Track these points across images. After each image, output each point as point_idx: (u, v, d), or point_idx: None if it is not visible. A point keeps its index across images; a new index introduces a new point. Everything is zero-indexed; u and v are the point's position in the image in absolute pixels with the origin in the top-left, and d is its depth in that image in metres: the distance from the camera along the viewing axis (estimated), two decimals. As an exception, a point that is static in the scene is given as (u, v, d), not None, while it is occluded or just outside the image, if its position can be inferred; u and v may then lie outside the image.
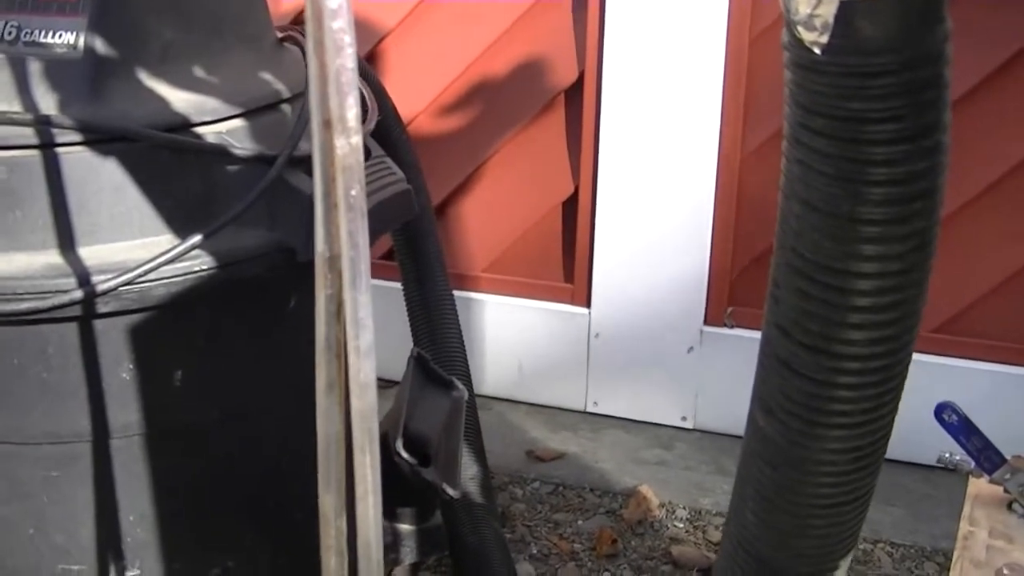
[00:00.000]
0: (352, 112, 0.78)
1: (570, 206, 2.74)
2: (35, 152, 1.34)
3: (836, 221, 1.05)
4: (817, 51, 0.98)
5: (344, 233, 0.80)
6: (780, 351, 1.15)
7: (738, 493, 1.30)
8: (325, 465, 0.89)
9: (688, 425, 2.73)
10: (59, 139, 1.34)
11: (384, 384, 2.42)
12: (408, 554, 1.77)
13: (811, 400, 1.14)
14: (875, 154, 1.01)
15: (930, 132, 1.02)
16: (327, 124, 0.78)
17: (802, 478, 1.19)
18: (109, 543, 1.48)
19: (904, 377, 1.15)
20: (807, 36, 0.98)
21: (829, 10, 0.96)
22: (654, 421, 2.75)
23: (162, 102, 1.40)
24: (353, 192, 0.79)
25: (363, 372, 0.82)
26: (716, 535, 2.33)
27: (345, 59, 0.77)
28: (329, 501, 0.90)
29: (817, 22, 0.97)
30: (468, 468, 2.11)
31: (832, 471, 1.18)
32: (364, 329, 0.82)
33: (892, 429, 1.19)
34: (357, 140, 0.79)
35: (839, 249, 1.06)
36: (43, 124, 1.34)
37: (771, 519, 1.25)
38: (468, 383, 2.11)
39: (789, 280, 1.12)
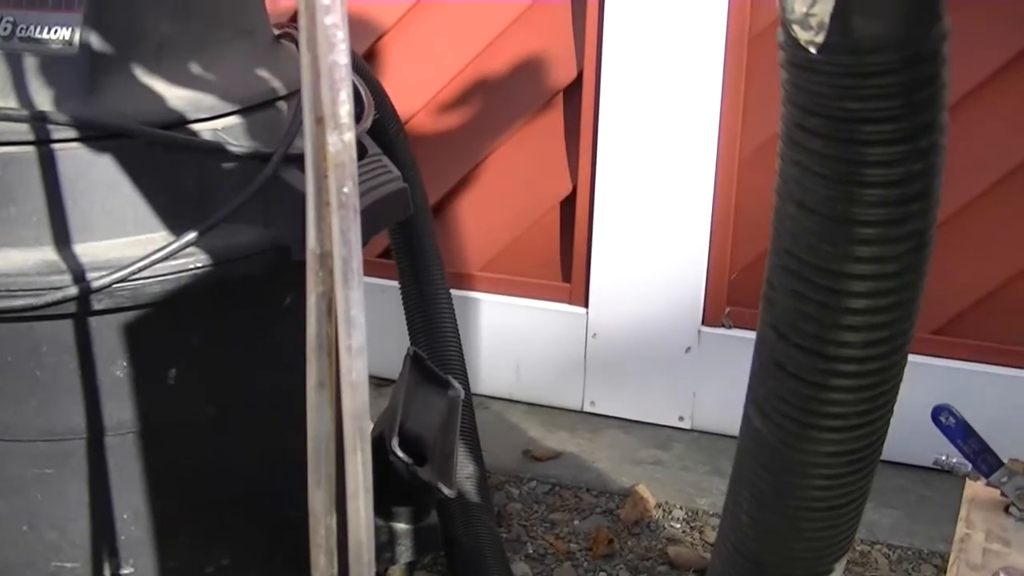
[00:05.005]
0: (345, 108, 0.77)
1: (568, 205, 2.73)
2: (30, 148, 1.34)
3: (831, 223, 1.04)
4: (813, 50, 0.97)
5: (336, 231, 0.79)
6: (775, 352, 1.15)
7: (732, 494, 1.29)
8: (315, 463, 0.88)
9: (685, 425, 2.73)
10: (54, 135, 1.34)
11: (380, 383, 2.45)
12: (404, 553, 1.77)
13: (806, 402, 1.13)
14: (871, 155, 1.00)
15: (926, 133, 1.01)
16: (319, 121, 0.78)
17: (796, 480, 1.18)
18: (103, 540, 1.48)
19: (899, 379, 1.15)
20: (803, 35, 0.97)
21: (825, 8, 0.95)
22: (651, 421, 2.75)
23: (158, 98, 1.40)
24: (345, 189, 0.78)
25: (355, 371, 0.82)
26: (713, 536, 2.32)
27: (338, 55, 0.76)
28: (319, 499, 0.89)
29: (813, 21, 0.96)
30: (464, 467, 2.10)
31: (827, 473, 1.17)
32: (356, 327, 0.81)
33: (887, 431, 1.18)
34: (350, 136, 0.78)
35: (834, 251, 1.06)
36: (38, 120, 1.33)
37: (765, 521, 1.25)
38: (465, 382, 2.11)
39: (784, 281, 1.11)
